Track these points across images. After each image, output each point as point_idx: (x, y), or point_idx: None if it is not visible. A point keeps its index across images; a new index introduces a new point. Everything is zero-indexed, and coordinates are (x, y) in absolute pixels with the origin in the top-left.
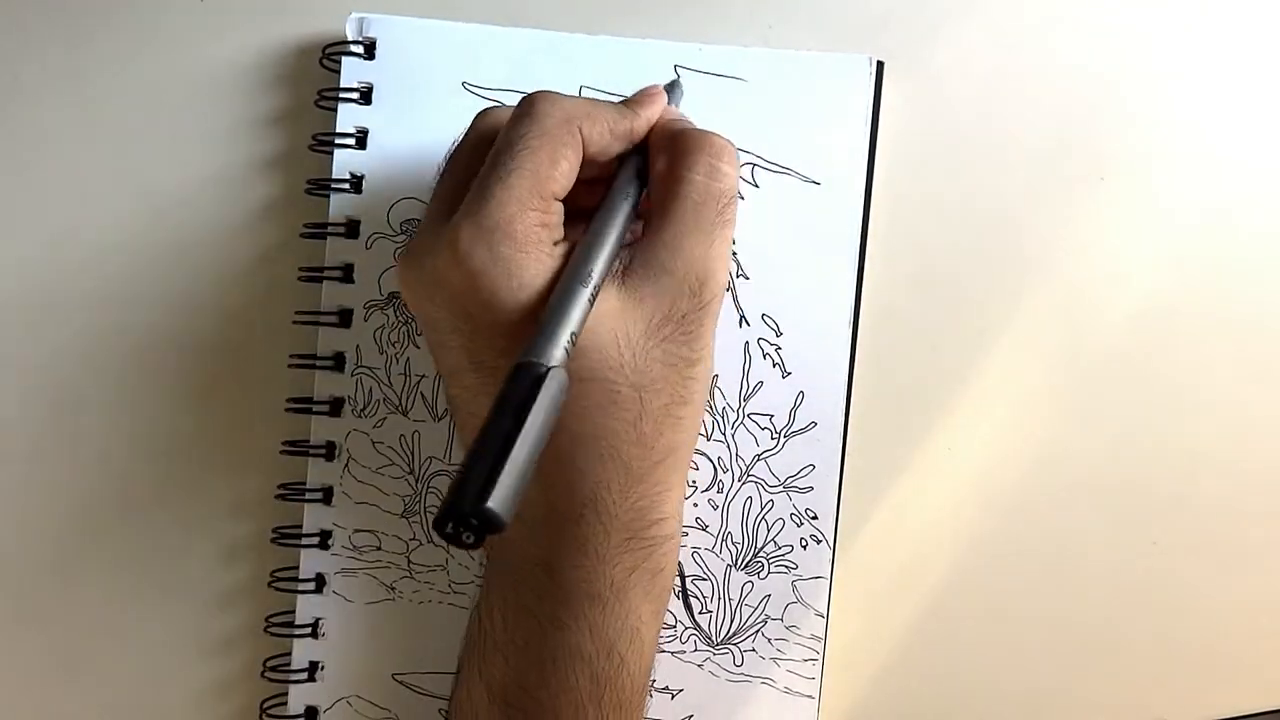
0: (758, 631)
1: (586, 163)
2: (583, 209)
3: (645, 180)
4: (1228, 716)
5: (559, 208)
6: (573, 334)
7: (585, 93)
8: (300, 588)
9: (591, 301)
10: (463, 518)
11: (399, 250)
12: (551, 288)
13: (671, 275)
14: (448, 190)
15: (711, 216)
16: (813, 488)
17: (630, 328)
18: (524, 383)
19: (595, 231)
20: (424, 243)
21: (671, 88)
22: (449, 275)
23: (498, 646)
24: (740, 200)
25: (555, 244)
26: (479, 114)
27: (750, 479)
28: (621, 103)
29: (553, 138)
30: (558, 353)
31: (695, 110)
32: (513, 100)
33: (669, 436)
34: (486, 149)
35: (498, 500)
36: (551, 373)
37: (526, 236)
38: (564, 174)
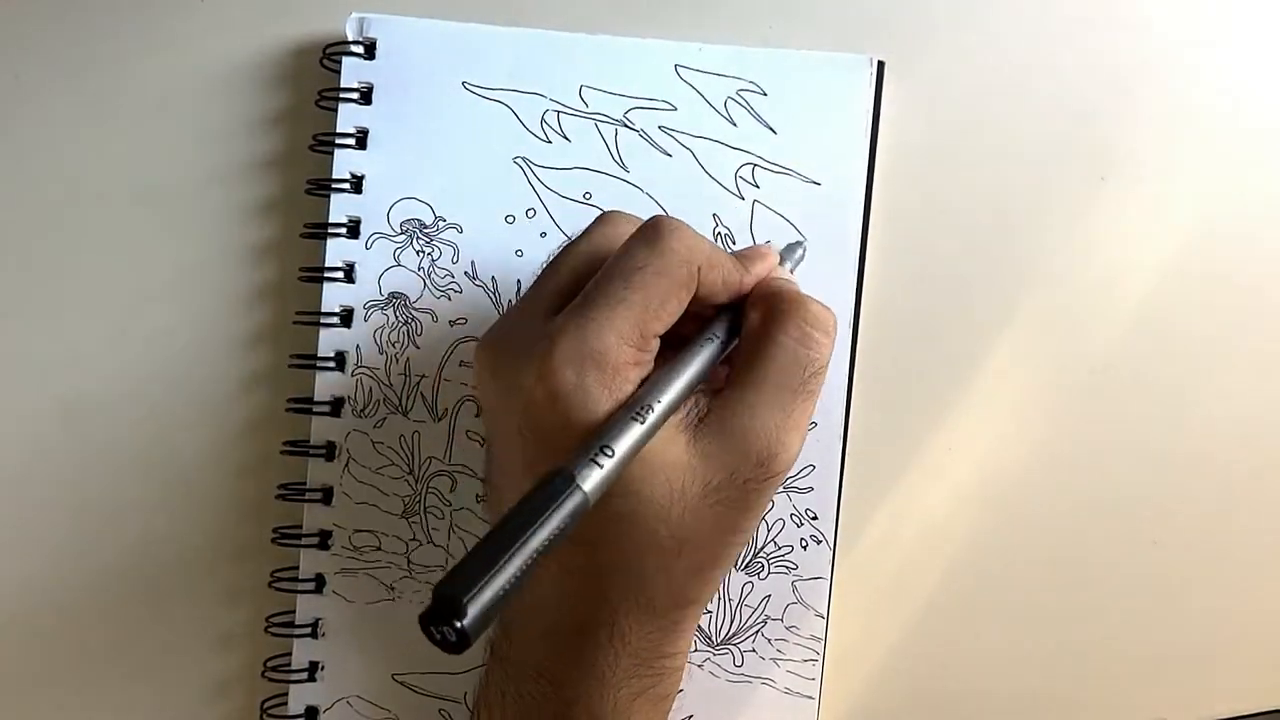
0: (758, 632)
1: (691, 304)
2: (672, 335)
3: (736, 331)
4: (1228, 717)
5: (656, 344)
6: (609, 450)
7: (585, 93)
8: (300, 588)
9: (645, 436)
10: (443, 615)
11: (485, 332)
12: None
13: (742, 440)
14: (553, 286)
15: (794, 385)
16: (813, 488)
17: (689, 483)
18: (543, 492)
19: (668, 370)
20: (514, 337)
21: (790, 250)
22: (532, 387)
23: None
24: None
25: (641, 379)
26: (604, 216)
27: None
28: (734, 254)
29: (670, 277)
30: (590, 471)
31: (695, 109)
32: (514, 101)
33: (697, 589)
34: (603, 256)
35: (478, 600)
36: (571, 487)
37: (616, 371)
38: (670, 314)
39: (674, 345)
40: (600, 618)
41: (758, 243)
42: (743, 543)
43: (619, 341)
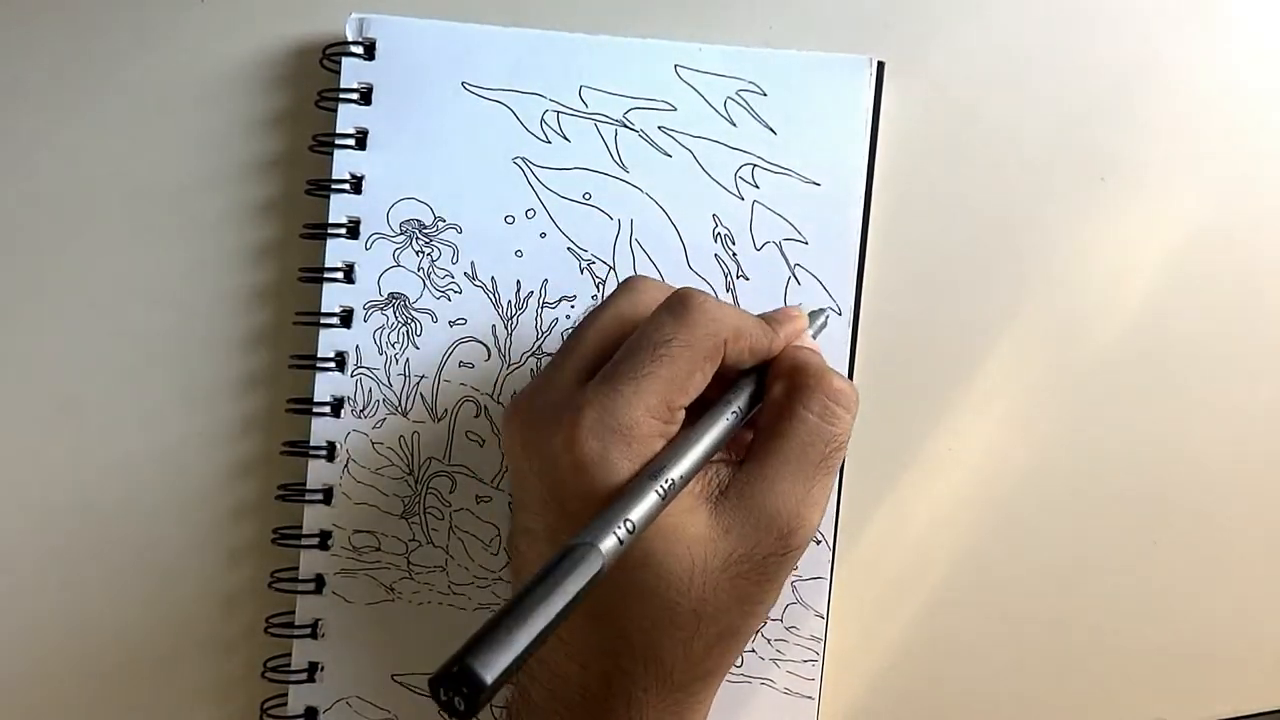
0: (757, 632)
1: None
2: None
3: (758, 398)
4: (1228, 717)
5: (681, 415)
6: (629, 523)
7: (584, 93)
8: (300, 588)
9: (662, 500)
10: (458, 683)
11: (515, 396)
12: None
13: (762, 515)
14: (581, 352)
15: (816, 460)
16: None
17: (709, 558)
18: (565, 562)
19: (688, 437)
20: (542, 403)
21: (815, 316)
22: (558, 454)
23: None
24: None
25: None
26: (629, 282)
27: None
28: (762, 317)
29: (696, 350)
30: (606, 537)
31: (695, 110)
32: (514, 102)
33: (716, 660)
34: (631, 322)
35: (490, 664)
36: (588, 552)
37: (641, 443)
38: (696, 387)
39: (697, 408)
40: (617, 689)
41: (758, 247)
42: (763, 614)
43: (645, 415)
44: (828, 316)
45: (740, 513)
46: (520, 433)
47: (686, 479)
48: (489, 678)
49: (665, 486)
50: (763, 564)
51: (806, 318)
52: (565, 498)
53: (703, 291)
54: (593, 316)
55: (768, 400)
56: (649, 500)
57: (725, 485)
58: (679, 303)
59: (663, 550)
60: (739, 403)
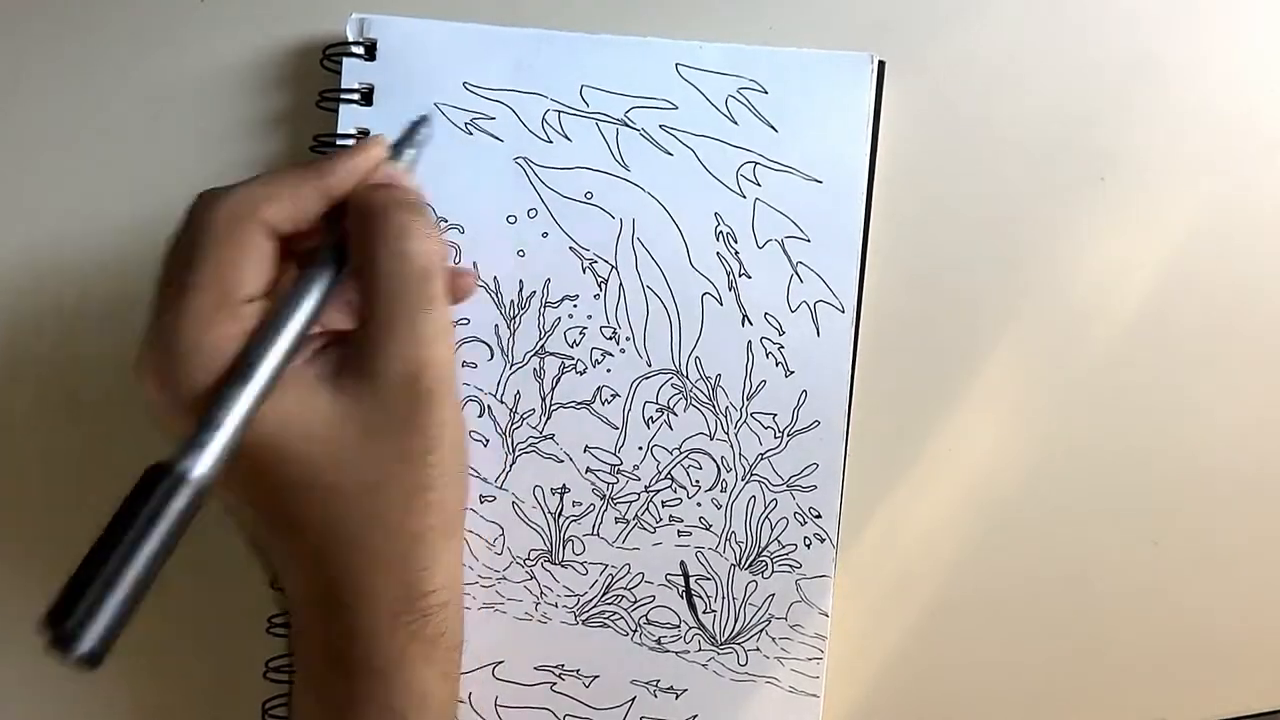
0: (762, 631)
1: (295, 237)
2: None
3: (345, 255)
4: (1228, 717)
5: (255, 308)
6: (218, 429)
7: (586, 92)
8: None
9: (260, 393)
10: (61, 646)
11: None
12: None
13: (379, 376)
14: (162, 288)
15: (410, 303)
16: (816, 486)
17: (345, 432)
18: (146, 493)
19: (266, 324)
20: (140, 353)
21: (411, 132)
22: (155, 396)
23: None
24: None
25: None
26: (196, 199)
27: (754, 478)
28: (317, 162)
29: (225, 241)
30: (203, 457)
31: (696, 108)
32: (515, 102)
33: (417, 522)
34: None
35: (90, 627)
36: (177, 485)
37: (217, 350)
38: (250, 275)
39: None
40: (341, 583)
41: (759, 245)
42: (444, 460)
43: (200, 328)
44: (425, 128)
45: (362, 377)
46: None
47: (281, 361)
48: (91, 638)
49: (250, 374)
50: (406, 415)
51: (380, 145)
52: (174, 430)
53: (214, 189)
54: (169, 244)
55: (352, 253)
56: (237, 394)
57: (342, 358)
58: (189, 210)
59: (302, 437)
60: (322, 266)
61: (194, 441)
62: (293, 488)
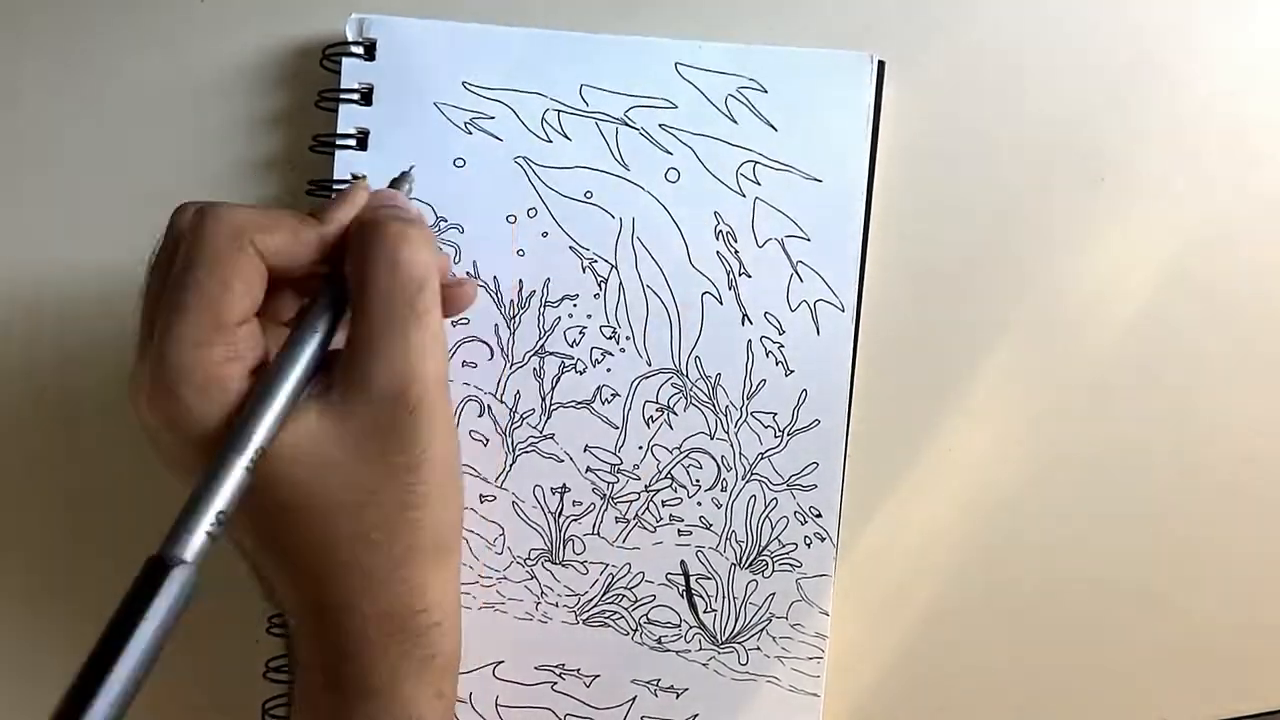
0: (762, 630)
1: (280, 276)
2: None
3: (345, 297)
4: (1228, 717)
5: (247, 331)
6: (219, 513)
7: (585, 92)
8: None
9: (250, 471)
10: None
11: None
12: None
13: (366, 390)
14: (149, 306)
15: (401, 314)
16: (816, 486)
17: (331, 451)
18: (147, 584)
19: (264, 387)
20: (134, 368)
21: (400, 180)
22: (146, 417)
23: None
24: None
25: (251, 372)
26: (176, 212)
27: (754, 477)
28: (313, 211)
29: (224, 260)
30: (196, 541)
31: (696, 107)
32: (515, 101)
33: (406, 539)
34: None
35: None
36: (172, 574)
37: (210, 379)
38: (240, 298)
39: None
40: (333, 602)
41: (759, 244)
42: (431, 476)
43: (196, 350)
44: (410, 176)
45: (348, 397)
46: (134, 412)
47: (275, 424)
48: None
49: (255, 456)
50: (392, 431)
51: (365, 190)
52: (172, 455)
53: (200, 202)
54: (152, 260)
55: (347, 277)
56: (235, 477)
57: (331, 375)
58: (175, 226)
59: (287, 467)
60: (317, 319)
61: (185, 528)
62: (283, 510)
